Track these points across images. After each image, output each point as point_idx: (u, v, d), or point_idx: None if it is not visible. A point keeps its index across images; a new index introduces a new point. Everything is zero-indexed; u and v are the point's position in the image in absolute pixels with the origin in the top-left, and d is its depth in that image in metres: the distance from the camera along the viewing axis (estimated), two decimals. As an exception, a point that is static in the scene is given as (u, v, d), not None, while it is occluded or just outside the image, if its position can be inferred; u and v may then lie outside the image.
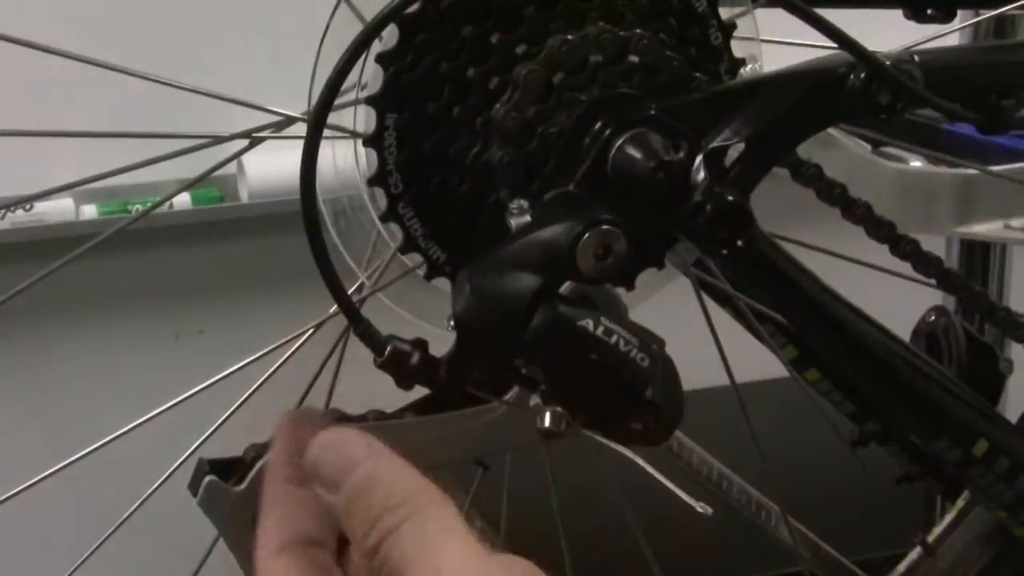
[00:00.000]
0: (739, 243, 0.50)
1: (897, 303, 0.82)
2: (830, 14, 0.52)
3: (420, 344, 0.49)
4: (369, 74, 0.52)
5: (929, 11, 0.72)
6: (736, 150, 0.51)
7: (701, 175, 0.50)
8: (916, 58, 0.54)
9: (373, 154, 0.52)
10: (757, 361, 0.79)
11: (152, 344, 1.59)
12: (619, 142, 0.50)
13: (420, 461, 0.48)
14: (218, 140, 0.61)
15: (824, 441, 0.77)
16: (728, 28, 0.56)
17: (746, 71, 0.57)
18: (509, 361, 0.49)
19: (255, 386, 0.62)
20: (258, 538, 0.46)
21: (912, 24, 0.74)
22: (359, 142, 0.54)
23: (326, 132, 0.48)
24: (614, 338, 0.46)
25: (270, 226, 1.50)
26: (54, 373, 1.56)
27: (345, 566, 0.46)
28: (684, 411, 0.49)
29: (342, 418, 0.53)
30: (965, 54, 0.72)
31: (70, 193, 1.46)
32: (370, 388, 0.55)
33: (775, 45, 0.61)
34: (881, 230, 0.70)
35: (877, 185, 0.99)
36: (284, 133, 0.61)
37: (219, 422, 0.63)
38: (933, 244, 0.76)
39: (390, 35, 0.51)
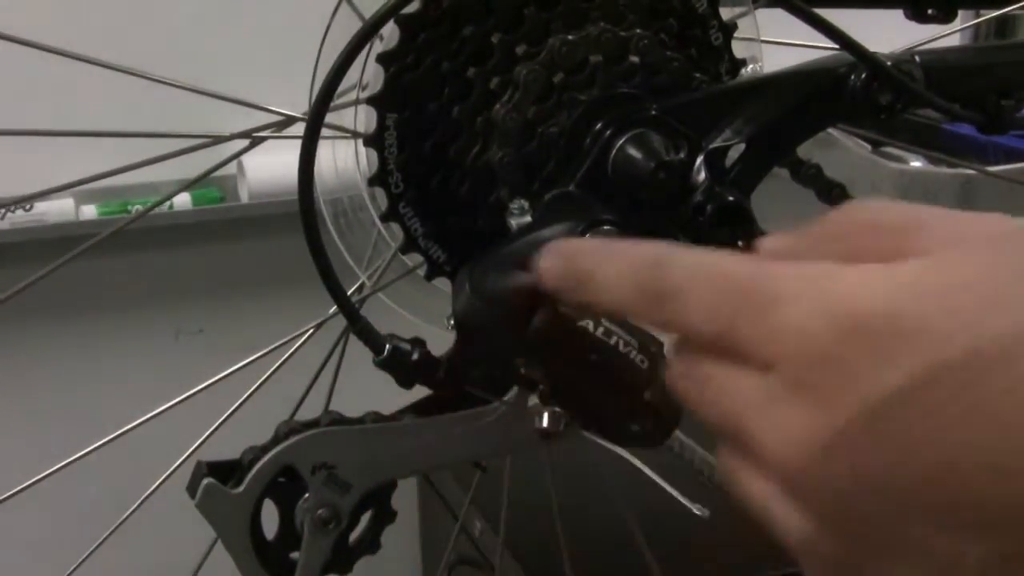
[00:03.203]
0: (739, 243, 0.50)
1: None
2: (830, 14, 0.52)
3: (419, 343, 0.49)
4: (370, 74, 0.52)
5: (930, 11, 0.72)
6: (737, 150, 0.51)
7: (702, 175, 0.50)
8: (917, 58, 0.54)
9: (374, 154, 0.52)
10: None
11: (152, 344, 1.58)
12: (620, 142, 0.50)
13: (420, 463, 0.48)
14: (218, 140, 0.61)
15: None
16: (729, 29, 0.56)
17: (747, 71, 0.57)
18: (508, 361, 0.49)
19: (255, 386, 0.62)
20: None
21: (913, 24, 0.74)
22: (360, 142, 0.54)
23: (327, 132, 0.48)
24: (613, 339, 0.46)
25: (270, 226, 1.50)
26: (54, 372, 1.56)
27: None
28: (683, 413, 0.49)
29: (338, 420, 0.53)
30: (966, 54, 0.71)
31: (70, 193, 1.46)
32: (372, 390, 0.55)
33: (775, 45, 0.61)
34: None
35: (877, 185, 0.99)
36: (284, 133, 0.61)
37: (218, 423, 0.63)
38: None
39: (391, 35, 0.51)
